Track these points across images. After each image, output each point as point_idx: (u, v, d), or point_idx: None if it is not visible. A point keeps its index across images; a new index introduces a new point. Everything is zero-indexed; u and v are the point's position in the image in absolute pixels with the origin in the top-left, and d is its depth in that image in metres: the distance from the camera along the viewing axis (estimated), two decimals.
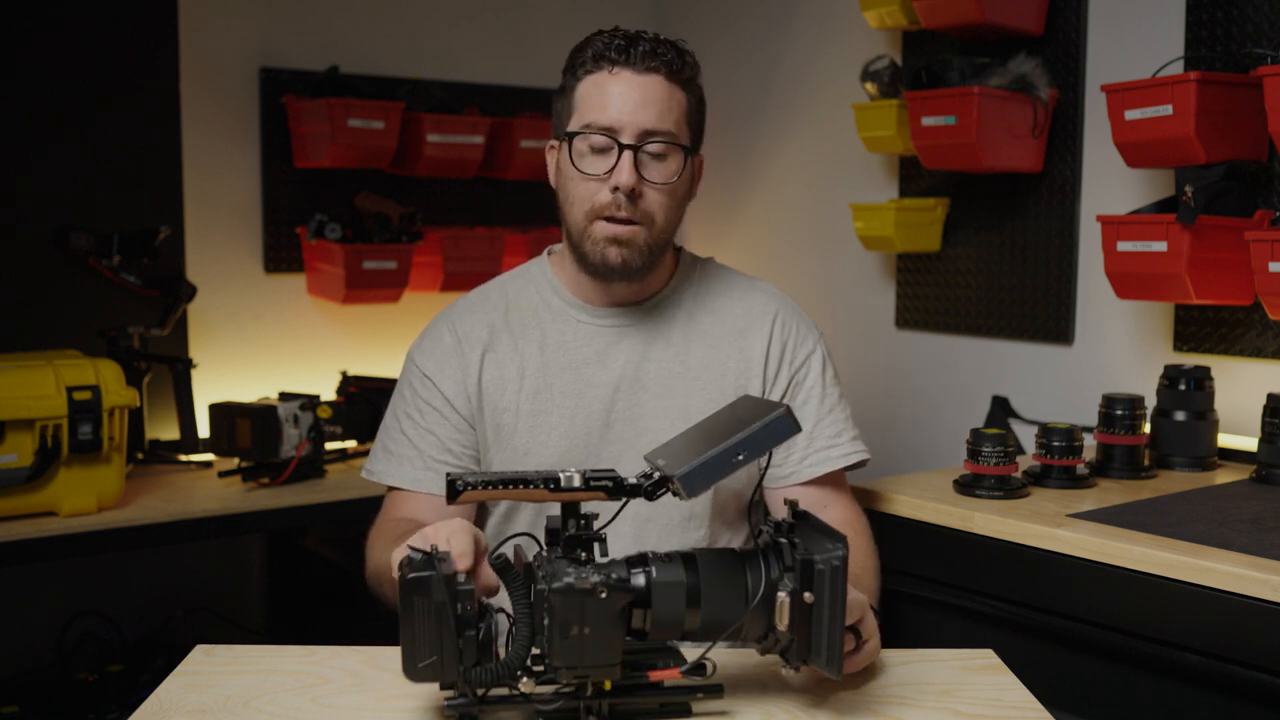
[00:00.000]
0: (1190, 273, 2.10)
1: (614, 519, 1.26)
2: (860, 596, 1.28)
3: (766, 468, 1.67)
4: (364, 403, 2.80)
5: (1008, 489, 1.96)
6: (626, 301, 1.71)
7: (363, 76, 3.10)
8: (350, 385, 2.91)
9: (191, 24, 2.93)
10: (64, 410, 2.20)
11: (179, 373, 2.75)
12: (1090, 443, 2.20)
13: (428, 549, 1.17)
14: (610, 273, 1.63)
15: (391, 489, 1.71)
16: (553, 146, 1.69)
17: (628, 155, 1.57)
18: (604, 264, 1.62)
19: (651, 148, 1.59)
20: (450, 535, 1.22)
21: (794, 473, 1.70)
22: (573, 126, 1.61)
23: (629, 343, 1.69)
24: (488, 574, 1.23)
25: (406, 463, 1.69)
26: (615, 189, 1.58)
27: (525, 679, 1.15)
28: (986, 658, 1.41)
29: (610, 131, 1.58)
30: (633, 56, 1.58)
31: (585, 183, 1.60)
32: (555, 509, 1.20)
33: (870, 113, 2.77)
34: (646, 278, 1.68)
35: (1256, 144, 2.18)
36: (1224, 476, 2.12)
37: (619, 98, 1.58)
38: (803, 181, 3.25)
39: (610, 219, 1.60)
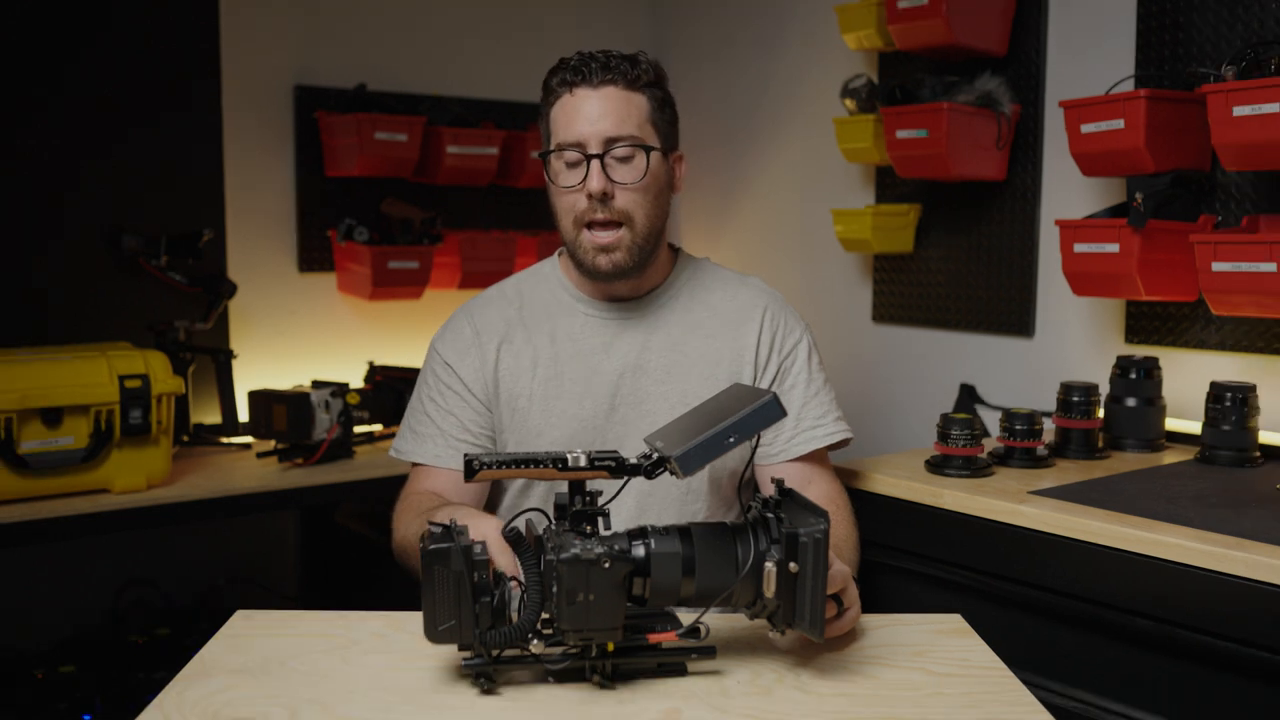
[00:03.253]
0: (1140, 272, 2.10)
1: (616, 495, 1.25)
2: (844, 568, 1.28)
3: (755, 448, 1.67)
4: (389, 390, 2.80)
5: (974, 469, 1.95)
6: (627, 297, 1.71)
7: (388, 93, 3.09)
8: (377, 374, 2.90)
9: (232, 46, 2.92)
10: (116, 397, 2.19)
11: (220, 363, 2.75)
12: (1049, 426, 2.19)
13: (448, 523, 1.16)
14: (604, 277, 1.64)
15: (416, 465, 1.71)
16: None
17: (595, 163, 1.57)
18: (596, 271, 1.63)
19: (617, 152, 1.58)
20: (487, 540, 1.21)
21: (782, 450, 1.69)
22: (548, 147, 1.63)
23: (631, 334, 1.69)
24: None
25: (429, 441, 1.68)
26: (589, 195, 1.58)
27: (536, 641, 1.14)
28: (955, 622, 1.41)
29: (578, 145, 1.58)
30: (588, 75, 1.59)
31: (565, 195, 1.61)
32: (564, 486, 1.20)
33: (849, 126, 2.76)
34: (643, 274, 1.68)
35: (1201, 155, 2.17)
36: (1171, 457, 2.12)
37: (580, 113, 1.58)
38: (788, 189, 3.24)
39: (592, 225, 1.60)
